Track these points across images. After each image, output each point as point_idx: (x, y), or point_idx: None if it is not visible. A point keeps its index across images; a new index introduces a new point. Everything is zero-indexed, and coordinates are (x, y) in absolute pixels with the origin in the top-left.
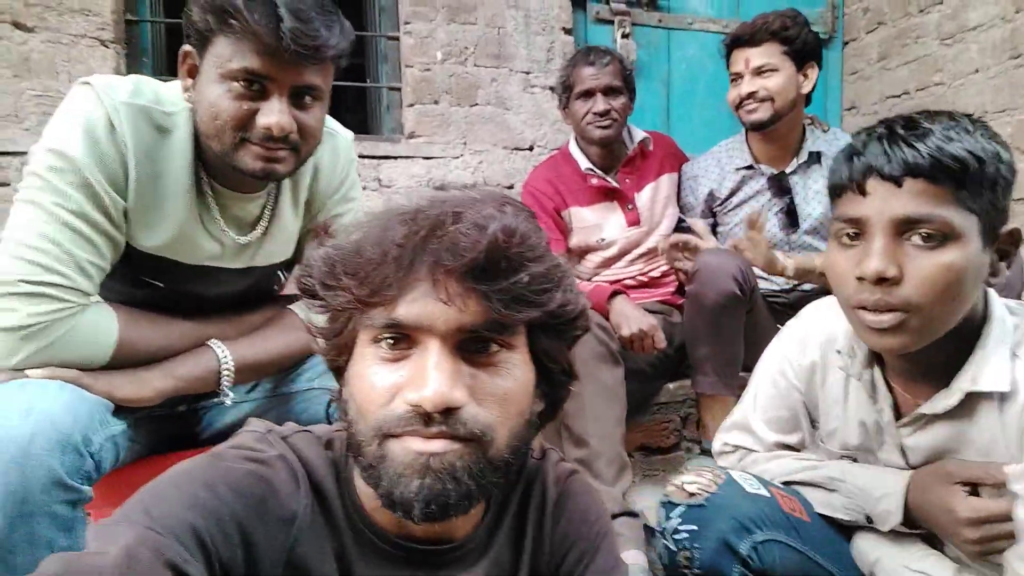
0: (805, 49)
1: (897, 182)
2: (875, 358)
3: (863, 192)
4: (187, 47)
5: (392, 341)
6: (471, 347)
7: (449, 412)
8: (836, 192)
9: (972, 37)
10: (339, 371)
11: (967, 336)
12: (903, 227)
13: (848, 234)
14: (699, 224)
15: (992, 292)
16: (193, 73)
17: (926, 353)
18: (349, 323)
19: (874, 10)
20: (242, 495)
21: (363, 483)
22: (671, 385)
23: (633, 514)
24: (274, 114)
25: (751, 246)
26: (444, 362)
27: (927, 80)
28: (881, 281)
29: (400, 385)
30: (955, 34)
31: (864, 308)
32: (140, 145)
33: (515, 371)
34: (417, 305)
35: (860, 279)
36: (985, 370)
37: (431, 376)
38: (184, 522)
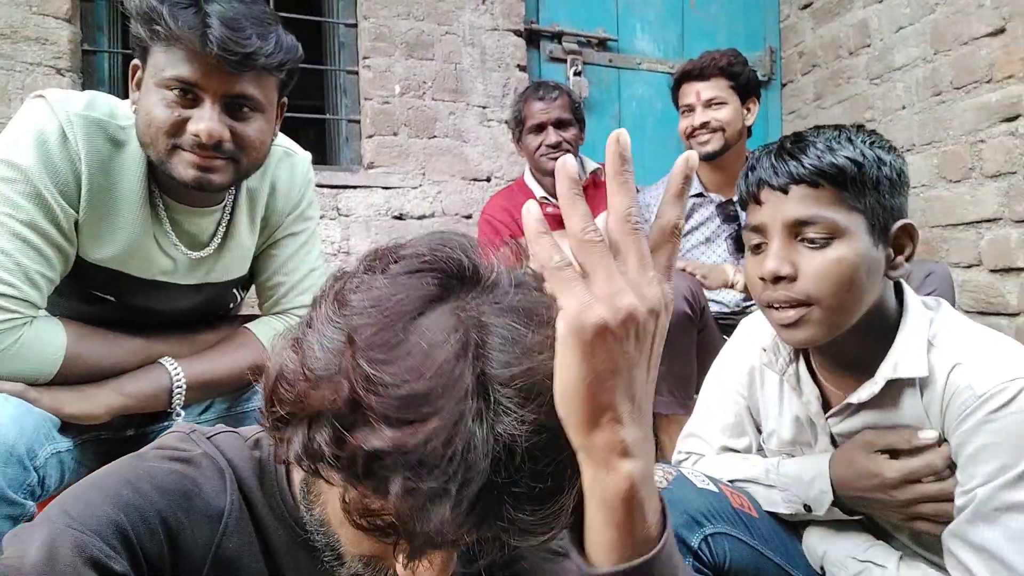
0: (749, 85)
1: (784, 190)
2: (799, 353)
3: (758, 202)
4: (135, 61)
5: None
6: None
7: None
8: (742, 205)
9: (898, 77)
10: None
11: (885, 329)
12: (794, 229)
13: (755, 243)
14: None
15: (908, 288)
16: (140, 85)
17: (843, 345)
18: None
19: (808, 54)
20: (166, 492)
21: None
22: None
23: None
24: (203, 121)
25: (699, 270)
26: None
27: (859, 117)
28: (778, 280)
29: None
30: (883, 74)
31: (772, 307)
32: (93, 157)
33: None
34: None
35: (763, 279)
36: (904, 358)
37: None
38: (107, 519)
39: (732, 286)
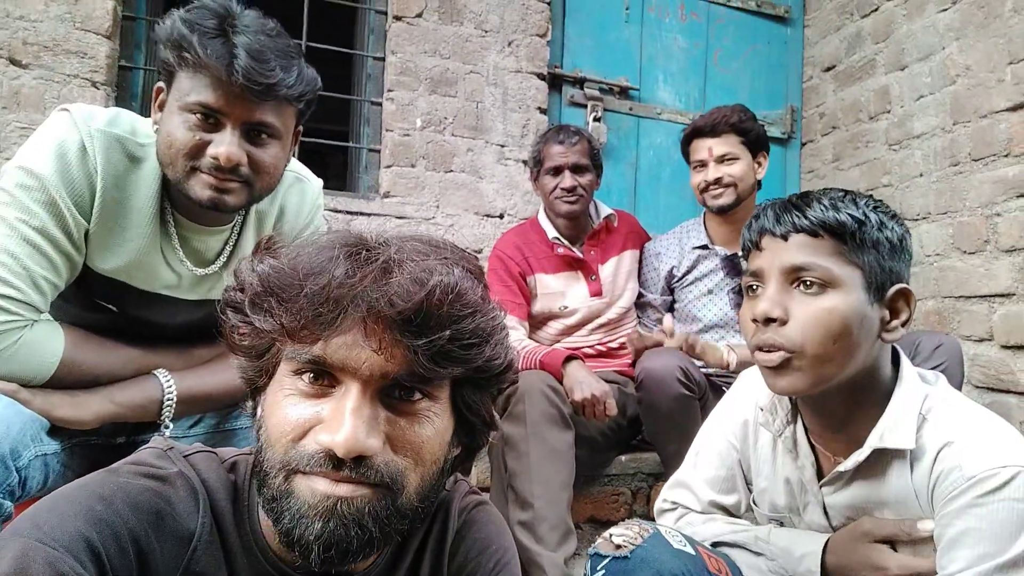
0: (759, 140)
1: (784, 237)
2: (796, 415)
3: (759, 248)
4: (160, 83)
5: (314, 376)
6: (393, 393)
7: (361, 459)
8: (745, 253)
9: (916, 144)
10: (256, 390)
11: (877, 397)
12: (791, 275)
13: (751, 286)
14: (667, 322)
15: (905, 359)
16: (163, 107)
17: (831, 406)
18: (273, 347)
19: (829, 115)
20: (139, 510)
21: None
22: (623, 457)
23: None
24: (223, 145)
25: (689, 348)
26: (363, 408)
27: (876, 181)
28: (769, 322)
29: (314, 422)
30: (902, 140)
31: (761, 350)
32: (110, 171)
33: (435, 420)
34: (344, 347)
35: (755, 321)
36: (893, 429)
37: (347, 421)
38: (77, 535)
39: (727, 367)
